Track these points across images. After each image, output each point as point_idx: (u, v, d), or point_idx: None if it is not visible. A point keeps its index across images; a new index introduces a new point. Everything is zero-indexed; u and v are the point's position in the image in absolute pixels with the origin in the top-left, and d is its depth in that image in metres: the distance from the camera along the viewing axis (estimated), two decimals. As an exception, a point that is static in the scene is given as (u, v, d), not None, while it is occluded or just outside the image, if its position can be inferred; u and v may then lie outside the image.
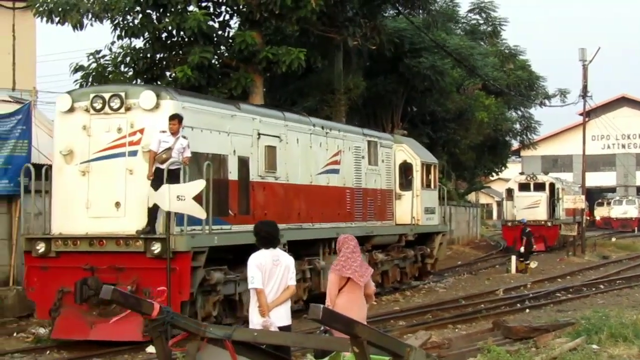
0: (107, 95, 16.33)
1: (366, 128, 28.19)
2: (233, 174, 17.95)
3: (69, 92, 17.24)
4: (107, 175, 16.24)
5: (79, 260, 15.88)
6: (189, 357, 5.20)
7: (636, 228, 78.20)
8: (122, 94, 16.27)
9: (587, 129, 54.38)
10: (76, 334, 15.69)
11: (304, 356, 10.72)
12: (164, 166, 15.68)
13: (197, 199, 15.89)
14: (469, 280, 34.47)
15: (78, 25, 29.69)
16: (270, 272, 10.51)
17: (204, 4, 30.45)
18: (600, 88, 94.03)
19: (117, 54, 30.86)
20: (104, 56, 31.04)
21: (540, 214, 46.23)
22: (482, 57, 45.73)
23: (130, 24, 30.05)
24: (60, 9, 29.32)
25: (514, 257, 37.84)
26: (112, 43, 31.01)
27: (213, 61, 30.12)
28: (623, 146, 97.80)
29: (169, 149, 15.76)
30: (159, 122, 15.98)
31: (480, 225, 61.75)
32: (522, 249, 38.99)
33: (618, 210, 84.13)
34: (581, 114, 54.89)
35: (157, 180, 15.66)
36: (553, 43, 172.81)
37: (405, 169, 26.88)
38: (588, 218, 59.59)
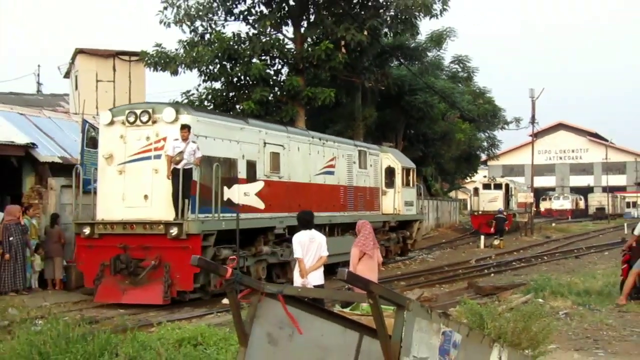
0: (138, 111, 16.02)
1: (360, 142, 28.21)
2: (242, 174, 17.46)
3: (110, 110, 17.23)
4: (138, 174, 15.90)
5: (116, 240, 15.52)
6: (252, 307, 5.21)
7: (569, 216, 77.61)
8: (150, 110, 15.95)
9: (534, 146, 54.13)
10: (112, 298, 15.29)
11: (334, 306, 10.90)
12: (179, 166, 15.17)
13: (207, 192, 16.01)
14: (450, 253, 34.41)
15: (174, 73, 29.77)
16: (308, 247, 10.75)
17: (263, 57, 30.54)
18: (544, 115, 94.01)
19: (201, 93, 31.38)
20: (192, 94, 31.38)
21: (499, 206, 45.62)
22: (460, 95, 45.81)
23: (211, 72, 30.31)
24: (162, 61, 29.64)
25: (482, 237, 37.63)
26: (199, 85, 31.53)
27: (269, 98, 30.19)
28: (560, 158, 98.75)
29: (181, 152, 15.15)
30: (178, 132, 15.58)
31: (458, 214, 61.44)
32: (492, 230, 39.23)
33: (557, 204, 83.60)
34: (530, 135, 54.62)
35: (175, 177, 15.24)
36: (510, 82, 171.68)
37: (390, 172, 26.31)
38: (535, 209, 59.10)
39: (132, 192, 15.91)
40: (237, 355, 5.17)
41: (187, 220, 15.05)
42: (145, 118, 15.87)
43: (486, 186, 48.48)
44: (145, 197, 15.74)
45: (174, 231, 15.00)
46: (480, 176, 59.78)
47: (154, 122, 15.91)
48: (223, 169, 16.62)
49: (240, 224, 16.27)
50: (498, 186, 48.13)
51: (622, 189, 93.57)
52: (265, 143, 18.53)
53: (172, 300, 16.55)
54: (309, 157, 21.05)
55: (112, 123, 16.36)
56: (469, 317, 9.82)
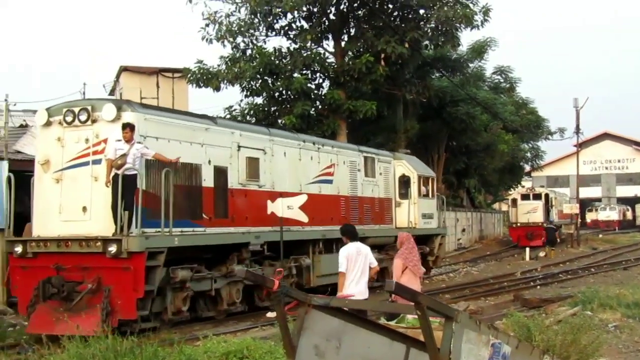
0: (76, 109, 13.52)
1: (364, 146, 24.77)
2: (208, 181, 14.86)
3: (46, 109, 14.27)
4: (76, 182, 13.42)
5: (52, 260, 13.03)
6: (299, 319, 5.22)
7: (617, 227, 76.35)
8: (89, 108, 13.43)
9: (579, 156, 53.56)
10: (44, 329, 12.57)
11: (379, 318, 10.82)
12: (120, 172, 12.77)
13: (155, 202, 13.48)
14: (495, 265, 34.10)
15: (217, 89, 30.10)
16: (355, 259, 10.72)
17: (304, 72, 30.70)
18: (588, 125, 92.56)
19: (244, 108, 31.66)
20: (234, 109, 31.63)
21: (538, 217, 44.75)
22: (502, 106, 45.33)
23: (253, 87, 30.56)
24: (204, 78, 29.98)
25: (527, 249, 37.25)
26: (241, 101, 31.75)
27: (311, 111, 30.36)
28: (606, 168, 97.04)
29: (124, 155, 12.73)
30: (120, 133, 13.20)
31: (502, 226, 60.87)
32: (534, 243, 39.27)
33: (603, 215, 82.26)
34: (575, 146, 53.97)
35: (115, 185, 12.78)
36: (554, 91, 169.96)
37: (404, 181, 23.39)
38: (581, 220, 58.28)
39: (69, 203, 13.48)
40: (285, 368, 5.19)
41: (127, 236, 12.56)
42: (84, 117, 13.47)
43: (525, 197, 47.21)
44: (84, 209, 13.28)
45: (112, 249, 12.53)
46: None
47: (94, 121, 13.46)
48: (181, 176, 14.28)
49: (202, 239, 14.53)
50: (537, 196, 46.64)
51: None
52: (239, 147, 15.98)
53: (225, 314, 15.74)
54: (300, 163, 18.37)
55: (48, 124, 13.90)
56: (516, 330, 9.75)
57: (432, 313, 4.30)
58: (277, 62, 30.33)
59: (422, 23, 31.79)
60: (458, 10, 30.65)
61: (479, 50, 42.79)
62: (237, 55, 30.88)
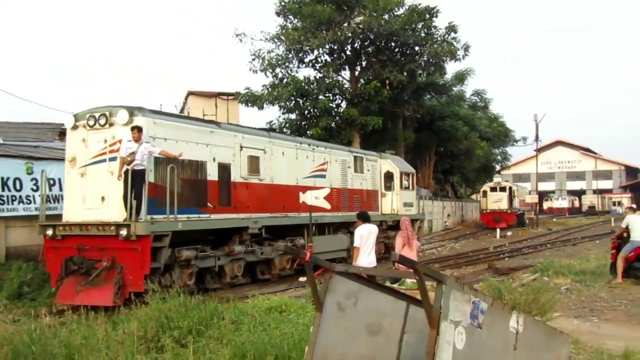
0: (97, 115, 12.79)
1: (356, 148, 24.28)
2: (213, 176, 13.90)
3: (74, 114, 13.46)
4: (96, 176, 12.70)
5: (76, 242, 12.31)
6: (325, 282, 5.24)
7: (567, 213, 75.53)
8: (107, 113, 12.65)
9: (538, 158, 53.11)
10: (68, 299, 11.85)
11: (385, 282, 10.90)
12: (130, 167, 11.98)
13: (162, 193, 12.43)
14: (473, 242, 33.81)
15: (261, 108, 30.24)
16: (367, 237, 10.68)
17: (327, 94, 30.85)
18: (545, 133, 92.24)
19: (281, 122, 31.55)
20: (274, 124, 31.70)
21: (503, 205, 43.97)
22: (479, 120, 45.24)
23: (288, 106, 30.73)
24: (251, 100, 30.08)
25: (498, 229, 37.01)
26: (278, 117, 31.87)
27: (332, 125, 30.41)
28: (559, 167, 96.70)
29: (133, 153, 11.89)
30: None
31: (478, 212, 60.55)
32: (503, 225, 39.23)
33: (557, 203, 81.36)
34: (535, 150, 53.58)
35: (126, 178, 11.99)
36: (519, 106, 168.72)
37: (388, 176, 22.30)
38: (539, 208, 57.80)
39: (91, 194, 12.75)
40: (314, 319, 5.20)
41: (135, 222, 11.76)
42: (103, 121, 12.77)
43: (493, 189, 45.80)
44: (102, 198, 12.56)
45: (123, 232, 11.78)
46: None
47: (111, 125, 12.72)
48: (188, 171, 13.37)
49: (205, 224, 13.59)
50: (503, 189, 45.47)
51: (609, 191, 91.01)
52: (242, 147, 14.98)
53: (229, 286, 14.72)
54: (296, 161, 17.20)
55: (75, 127, 13.18)
56: (490, 292, 9.66)
57: (427, 278, 4.30)
58: (306, 87, 30.41)
59: (417, 57, 31.70)
60: (445, 47, 30.59)
61: (461, 77, 42.58)
62: (276, 82, 30.99)
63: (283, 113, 31.22)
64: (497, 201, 44.40)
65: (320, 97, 30.44)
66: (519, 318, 4.96)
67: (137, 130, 12.12)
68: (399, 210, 22.12)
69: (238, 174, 14.80)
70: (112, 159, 12.54)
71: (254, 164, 15.34)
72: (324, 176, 18.42)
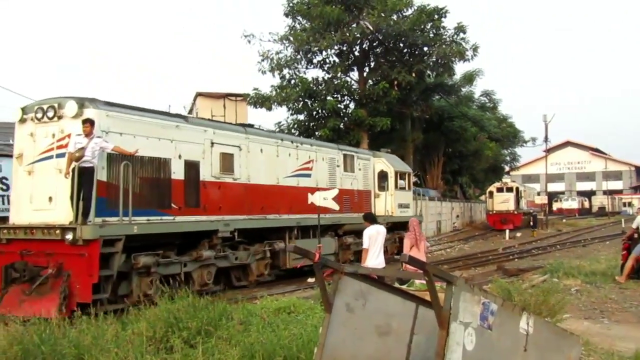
0: (45, 107, 11.49)
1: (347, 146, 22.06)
2: (178, 174, 12.52)
3: (22, 107, 12.05)
4: (43, 174, 11.39)
5: (21, 246, 11.01)
6: (334, 283, 5.24)
7: (577, 214, 75.14)
8: (56, 105, 11.37)
9: (547, 159, 52.93)
10: (11, 310, 10.33)
11: (394, 283, 10.83)
12: (77, 164, 10.70)
13: (115, 193, 11.12)
14: (482, 243, 33.62)
15: (269, 109, 30.32)
16: (376, 238, 10.64)
17: (335, 95, 30.88)
18: (554, 134, 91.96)
19: (289, 123, 31.65)
20: (282, 125, 31.79)
21: (510, 206, 42.94)
22: (487, 121, 45.07)
23: (297, 107, 30.81)
24: (260, 101, 30.15)
25: (507, 230, 36.78)
26: (287, 118, 31.98)
27: (340, 126, 30.45)
28: (568, 168, 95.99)
29: (82, 149, 10.60)
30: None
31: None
32: (511, 227, 38.97)
33: (566, 204, 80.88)
34: (544, 151, 53.33)
35: (74, 176, 10.72)
36: (528, 106, 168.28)
37: (382, 176, 20.80)
38: (548, 208, 57.54)
39: (38, 193, 11.45)
40: (324, 320, 5.20)
41: (81, 225, 10.49)
42: (51, 114, 11.43)
43: (499, 190, 44.46)
44: (50, 199, 11.25)
45: (69, 236, 10.50)
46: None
47: (60, 117, 11.38)
48: (149, 169, 12.02)
49: (168, 227, 12.22)
50: (509, 189, 44.19)
51: (619, 192, 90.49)
52: (213, 143, 13.61)
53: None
54: (277, 159, 15.87)
55: (23, 121, 11.84)
56: (499, 293, 9.62)
57: (436, 279, 4.28)
58: (314, 88, 30.45)
59: (425, 58, 31.66)
60: (453, 48, 30.54)
61: (469, 78, 42.52)
62: (284, 83, 31.04)
63: (291, 114, 31.30)
64: (503, 202, 43.50)
65: (329, 98, 30.47)
66: (529, 319, 4.93)
67: (88, 123, 10.86)
68: (393, 211, 20.85)
69: (209, 172, 13.46)
70: (60, 155, 11.21)
71: (227, 161, 14.02)
72: (308, 175, 17.17)
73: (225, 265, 13.99)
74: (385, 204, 20.60)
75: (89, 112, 11.11)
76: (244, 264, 14.66)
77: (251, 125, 16.43)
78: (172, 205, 12.41)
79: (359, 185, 19.76)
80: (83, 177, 10.71)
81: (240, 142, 14.53)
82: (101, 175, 11.02)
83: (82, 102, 11.26)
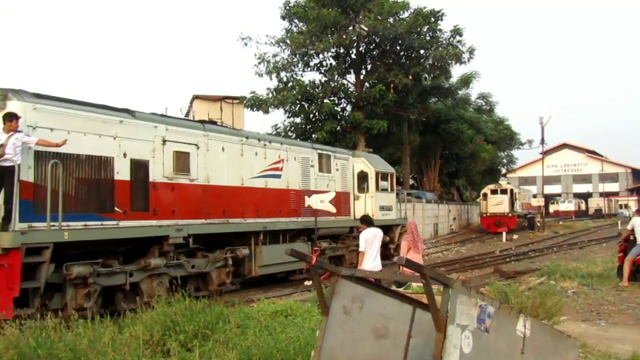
0: None
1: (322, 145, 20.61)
2: (122, 175, 11.19)
3: None
4: None
5: None
6: (331, 286, 5.24)
7: (573, 216, 75.29)
8: None
9: (544, 161, 53.00)
10: None
11: (391, 285, 10.79)
12: None
13: (43, 195, 9.82)
14: (478, 245, 33.62)
15: (266, 112, 30.38)
16: (372, 241, 10.62)
17: (332, 98, 30.91)
18: (551, 136, 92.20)
19: (286, 126, 31.72)
20: (279, 127, 31.81)
21: (504, 208, 42.11)
22: (484, 123, 45.12)
23: (293, 110, 30.86)
24: (256, 103, 30.19)
25: (504, 233, 36.79)
26: (284, 121, 32.08)
27: (337, 128, 30.47)
28: (565, 170, 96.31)
29: (2, 146, 9.34)
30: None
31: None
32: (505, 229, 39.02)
33: (563, 206, 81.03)
34: (541, 153, 53.40)
35: None
36: (525, 108, 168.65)
37: (363, 177, 19.42)
38: (545, 211, 57.52)
39: None
40: (321, 323, 5.19)
41: None
42: None
43: (493, 191, 43.63)
44: None
45: None
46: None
47: None
48: (86, 169, 10.71)
49: (107, 233, 10.86)
50: (504, 191, 43.34)
51: (615, 194, 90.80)
52: (165, 140, 12.25)
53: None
54: (242, 158, 14.56)
55: None
56: (496, 295, 9.62)
57: (433, 281, 4.28)
58: (311, 91, 30.54)
59: (422, 60, 31.80)
60: (450, 50, 30.68)
61: (466, 80, 42.72)
62: (281, 86, 31.09)
63: (288, 117, 31.41)
64: (497, 204, 42.65)
65: (326, 100, 30.56)
66: (526, 322, 4.93)
67: (11, 118, 9.61)
68: (374, 214, 19.24)
69: (160, 172, 12.14)
70: None
71: (182, 161, 12.68)
72: (278, 176, 15.90)
73: (180, 275, 12.39)
74: (365, 206, 19.24)
75: (12, 105, 9.86)
76: (203, 273, 13.28)
77: (212, 122, 15.09)
78: (116, 208, 11.14)
79: (336, 187, 18.44)
80: (3, 178, 9.52)
81: (197, 139, 13.23)
82: (27, 175, 9.74)
83: (5, 94, 9.97)
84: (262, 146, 15.42)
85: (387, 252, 19.88)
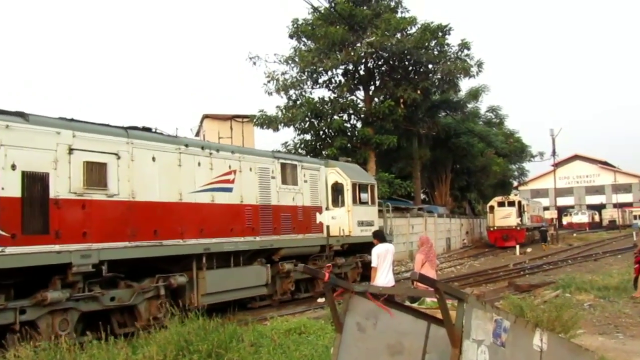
0: None
1: (284, 153, 19.10)
2: (9, 190, 9.24)
3: None
4: None
5: None
6: (345, 303, 5.21)
7: (587, 228, 74.66)
8: None
9: (556, 173, 52.73)
10: None
11: (404, 301, 10.66)
12: None
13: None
14: (492, 259, 33.33)
15: (276, 130, 30.55)
16: (385, 256, 10.55)
17: (341, 114, 31.05)
18: (562, 148, 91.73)
19: (296, 143, 31.77)
20: (289, 145, 31.90)
21: (512, 221, 40.15)
22: (494, 136, 44.95)
23: (303, 127, 30.98)
24: (266, 122, 30.35)
25: (517, 246, 36.42)
26: (294, 138, 32.18)
27: (347, 145, 30.49)
28: (577, 182, 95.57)
29: None
30: None
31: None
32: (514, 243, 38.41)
33: (576, 218, 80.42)
34: (552, 165, 53.18)
35: None
36: (534, 121, 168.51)
37: (337, 189, 17.28)
38: (557, 223, 56.95)
39: None
40: (335, 340, 5.16)
41: None
42: None
43: (500, 204, 41.52)
44: None
45: None
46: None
47: None
48: None
49: None
50: (511, 203, 41.24)
51: (629, 204, 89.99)
52: (71, 149, 10.30)
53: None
54: (179, 169, 12.39)
55: None
56: (511, 309, 9.53)
57: (447, 296, 4.25)
58: (321, 108, 30.66)
59: (430, 75, 31.89)
60: (458, 65, 30.73)
61: (475, 94, 42.72)
62: (291, 104, 31.26)
63: (298, 134, 31.52)
64: (505, 217, 40.71)
65: (335, 117, 30.66)
66: (543, 336, 4.88)
67: None
68: (351, 230, 17.43)
69: (65, 187, 10.15)
70: None
71: (96, 173, 10.67)
72: (229, 189, 13.77)
73: (95, 309, 10.40)
74: (340, 222, 17.29)
75: None
76: (129, 306, 11.13)
77: (147, 129, 12.50)
78: (0, 232, 9.19)
79: (304, 201, 16.32)
80: None
81: (118, 147, 11.18)
82: None
83: None
84: (207, 155, 13.28)
85: (370, 272, 17.83)
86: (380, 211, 19.71)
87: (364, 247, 17.41)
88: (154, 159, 11.88)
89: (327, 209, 17.16)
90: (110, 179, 10.90)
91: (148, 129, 12.43)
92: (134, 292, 11.14)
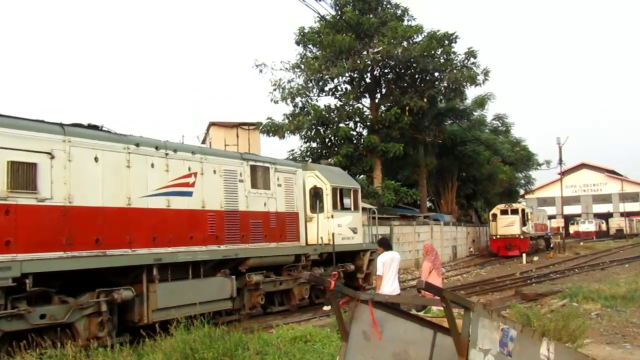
0: None
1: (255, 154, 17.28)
2: None
3: None
4: None
5: None
6: (351, 311, 5.21)
7: (594, 237, 74.28)
8: None
9: (562, 182, 52.56)
10: None
11: (410, 310, 10.59)
12: None
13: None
14: (498, 268, 33.20)
15: (282, 137, 30.61)
16: (390, 265, 10.51)
17: (347, 122, 31.12)
18: (569, 156, 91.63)
19: (302, 151, 31.86)
20: (295, 152, 31.97)
21: (515, 230, 38.98)
22: (500, 144, 44.90)
23: (309, 135, 31.02)
24: (272, 129, 30.41)
25: (524, 255, 36.26)
26: (300, 146, 32.14)
27: (353, 152, 30.48)
28: (584, 190, 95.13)
29: None
30: None
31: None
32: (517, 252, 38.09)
33: (583, 227, 79.98)
34: (559, 174, 53.02)
35: None
36: (541, 129, 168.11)
37: (316, 194, 16.04)
38: (563, 232, 56.53)
39: None
40: (340, 349, 5.15)
41: None
42: None
43: (503, 212, 40.20)
44: None
45: None
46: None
47: None
48: None
49: None
50: (514, 211, 40.06)
51: (636, 213, 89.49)
52: None
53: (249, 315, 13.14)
54: (129, 171, 11.10)
55: None
56: (518, 318, 9.50)
57: (454, 305, 4.24)
58: (327, 115, 30.75)
59: (437, 83, 31.94)
60: (464, 73, 30.77)
61: (481, 102, 42.72)
62: (297, 111, 31.35)
63: (305, 142, 31.60)
64: (508, 225, 39.46)
65: (341, 125, 30.75)
66: (550, 345, 4.85)
67: None
68: (330, 238, 16.19)
69: None
70: None
71: (24, 174, 9.41)
72: (188, 193, 12.40)
73: (20, 328, 9.00)
74: (318, 229, 15.99)
75: None
76: (63, 324, 9.70)
77: (94, 126, 11.10)
78: None
79: (278, 206, 15.05)
80: None
81: (52, 146, 9.90)
82: None
83: None
84: (162, 156, 11.92)
85: (354, 283, 17.21)
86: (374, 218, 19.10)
87: (348, 256, 16.98)
88: (96, 159, 10.60)
89: (306, 215, 16.06)
90: (41, 181, 9.62)
91: (94, 127, 11.08)
92: (69, 308, 9.72)
